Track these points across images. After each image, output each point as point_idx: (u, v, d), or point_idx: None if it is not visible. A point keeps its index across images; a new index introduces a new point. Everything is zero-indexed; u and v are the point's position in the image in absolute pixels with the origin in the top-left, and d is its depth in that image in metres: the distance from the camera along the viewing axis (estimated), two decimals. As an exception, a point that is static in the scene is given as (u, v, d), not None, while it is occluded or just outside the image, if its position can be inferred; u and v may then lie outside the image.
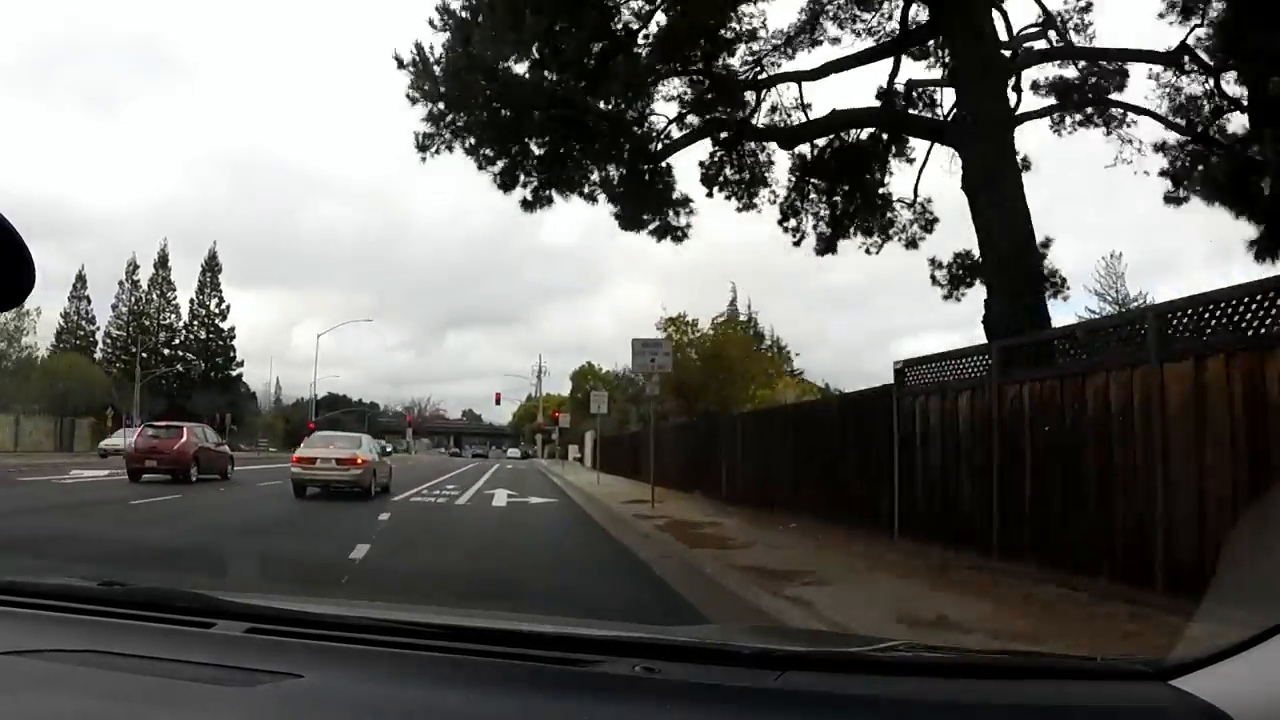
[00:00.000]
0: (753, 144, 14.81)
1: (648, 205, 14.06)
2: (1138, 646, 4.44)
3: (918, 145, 14.28)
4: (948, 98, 13.34)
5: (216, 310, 69.96)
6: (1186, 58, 12.38)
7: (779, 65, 14.07)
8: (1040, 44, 13.35)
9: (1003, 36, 12.36)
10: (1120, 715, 1.13)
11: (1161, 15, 12.37)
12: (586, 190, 13.72)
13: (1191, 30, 12.26)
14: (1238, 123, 12.48)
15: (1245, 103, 11.93)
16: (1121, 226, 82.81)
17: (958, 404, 8.52)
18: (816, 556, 8.61)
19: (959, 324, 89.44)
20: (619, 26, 12.61)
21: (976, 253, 11.84)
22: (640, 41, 12.68)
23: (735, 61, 13.79)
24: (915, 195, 14.81)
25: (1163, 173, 13.57)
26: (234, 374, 70.55)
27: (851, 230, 15.13)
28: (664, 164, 13.93)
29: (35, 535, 9.56)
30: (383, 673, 1.28)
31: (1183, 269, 61.45)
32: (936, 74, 13.98)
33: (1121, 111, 13.70)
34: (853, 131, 14.43)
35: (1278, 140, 11.22)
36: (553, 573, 8.59)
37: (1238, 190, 12.27)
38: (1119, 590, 5.92)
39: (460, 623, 1.54)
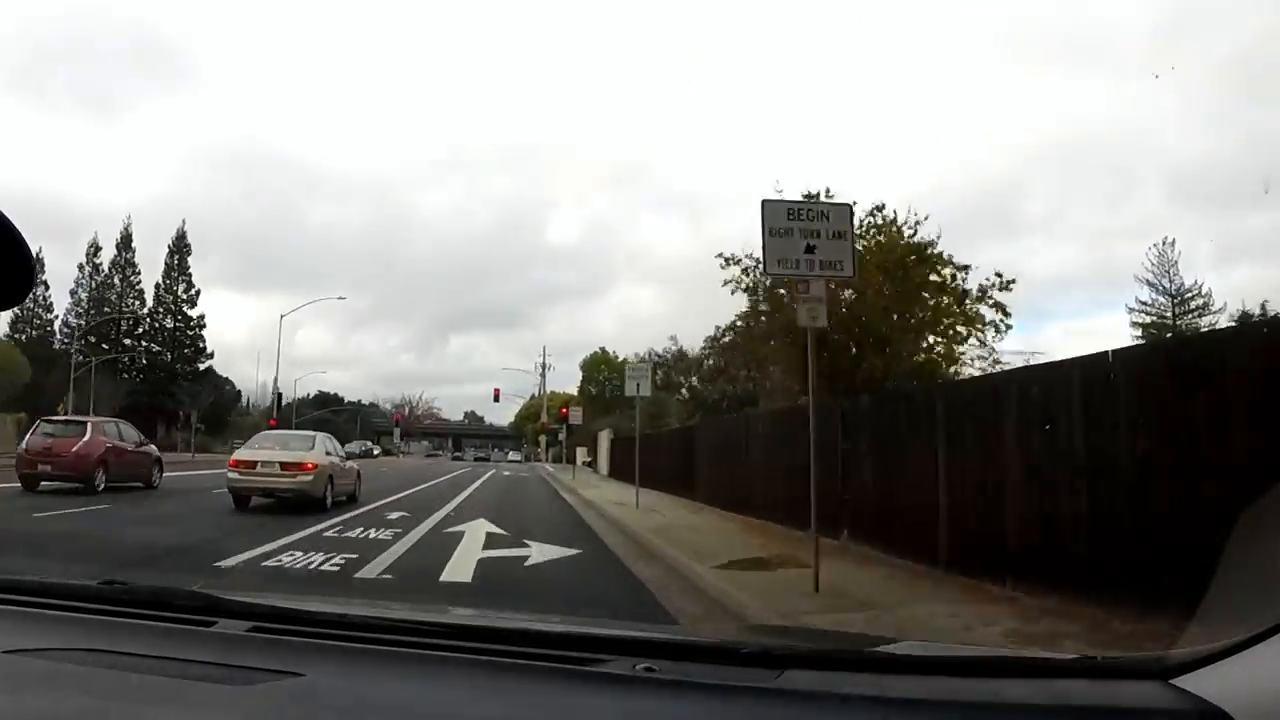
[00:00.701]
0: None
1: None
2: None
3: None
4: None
5: (185, 296, 61.56)
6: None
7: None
8: None
9: None
10: (1120, 714, 1.13)
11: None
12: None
13: None
14: None
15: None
16: None
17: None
18: None
19: None
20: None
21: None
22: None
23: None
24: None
25: None
26: (201, 367, 62.23)
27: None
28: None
29: None
30: (384, 672, 1.28)
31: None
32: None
33: None
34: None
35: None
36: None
37: None
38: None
39: (462, 622, 1.54)
